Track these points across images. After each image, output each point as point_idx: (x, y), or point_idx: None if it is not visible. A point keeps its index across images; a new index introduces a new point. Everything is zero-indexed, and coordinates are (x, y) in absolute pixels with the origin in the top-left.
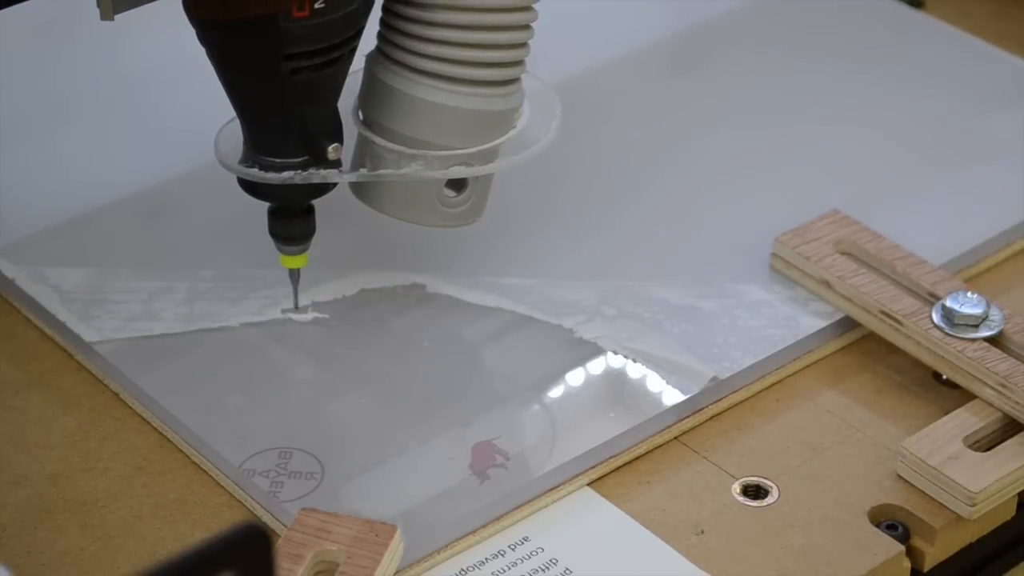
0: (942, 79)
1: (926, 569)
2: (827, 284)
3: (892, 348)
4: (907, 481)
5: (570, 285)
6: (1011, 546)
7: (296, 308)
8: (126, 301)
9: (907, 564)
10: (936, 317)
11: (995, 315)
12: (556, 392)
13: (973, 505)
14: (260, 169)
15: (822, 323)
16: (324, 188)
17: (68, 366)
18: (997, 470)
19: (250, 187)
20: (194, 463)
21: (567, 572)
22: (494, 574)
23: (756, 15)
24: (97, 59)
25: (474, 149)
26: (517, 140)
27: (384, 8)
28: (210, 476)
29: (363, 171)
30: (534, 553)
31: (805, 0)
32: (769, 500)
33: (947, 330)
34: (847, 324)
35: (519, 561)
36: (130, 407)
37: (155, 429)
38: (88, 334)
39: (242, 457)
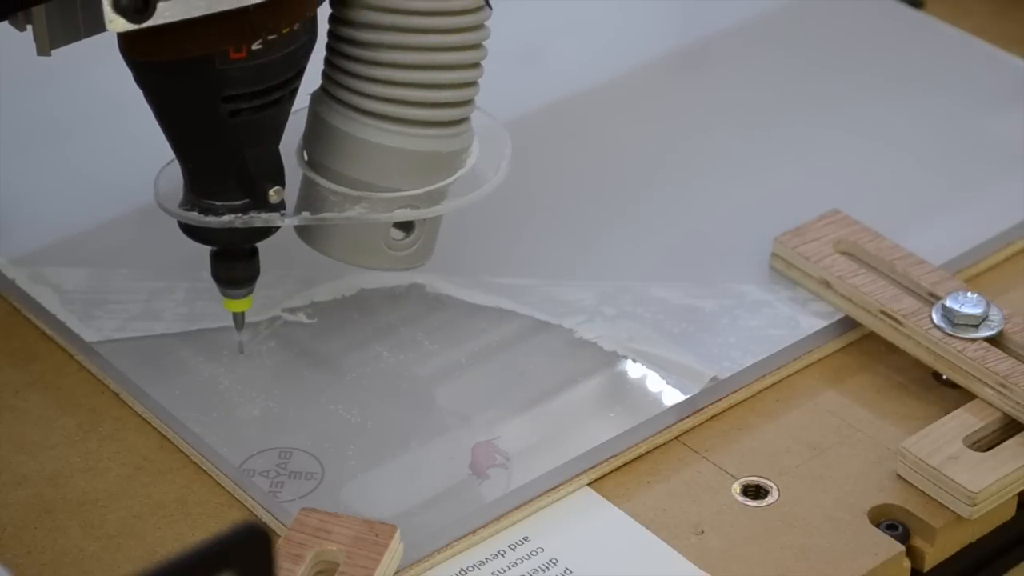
0: (942, 79)
1: (926, 569)
2: (827, 284)
3: (892, 348)
4: (907, 481)
5: (570, 285)
6: (1011, 546)
7: (241, 352)
8: (126, 301)
9: (907, 564)
10: (936, 317)
11: (995, 315)
12: (556, 392)
13: (973, 505)
14: (200, 212)
15: (822, 323)
16: (267, 231)
17: (68, 366)
18: (997, 470)
19: (191, 231)
20: (194, 463)
21: (567, 572)
22: (494, 574)
23: (756, 15)
24: (100, 64)
25: (421, 191)
26: (468, 178)
27: (328, 47)
28: (210, 476)
29: (306, 214)
30: (534, 553)
31: (805, 0)
32: (769, 500)
33: (947, 330)
34: (847, 324)
35: (519, 561)
36: (130, 407)
37: (155, 429)
38: (88, 334)
39: (242, 457)
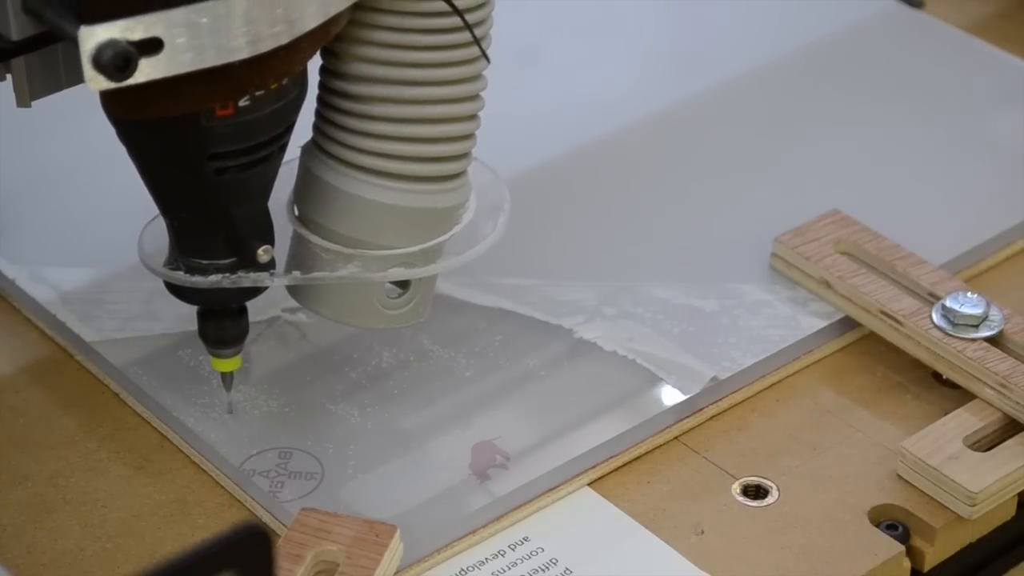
0: (942, 79)
1: (926, 569)
2: (827, 284)
3: (892, 348)
4: (907, 481)
5: (570, 285)
6: (1011, 546)
7: (230, 412)
8: (126, 301)
9: (907, 564)
10: (936, 317)
11: (995, 315)
12: (556, 392)
13: (973, 505)
14: (186, 271)
15: (822, 323)
16: (256, 290)
17: (68, 366)
18: (997, 470)
19: (177, 290)
20: (194, 463)
21: (567, 572)
22: (494, 574)
23: (756, 15)
24: None
25: (416, 248)
26: (463, 231)
27: (319, 99)
28: (210, 476)
29: (296, 274)
30: (534, 553)
31: (805, 1)
32: (769, 500)
33: (947, 330)
34: (847, 324)
35: (519, 561)
36: (130, 407)
37: (155, 429)
38: (88, 334)
39: (242, 457)
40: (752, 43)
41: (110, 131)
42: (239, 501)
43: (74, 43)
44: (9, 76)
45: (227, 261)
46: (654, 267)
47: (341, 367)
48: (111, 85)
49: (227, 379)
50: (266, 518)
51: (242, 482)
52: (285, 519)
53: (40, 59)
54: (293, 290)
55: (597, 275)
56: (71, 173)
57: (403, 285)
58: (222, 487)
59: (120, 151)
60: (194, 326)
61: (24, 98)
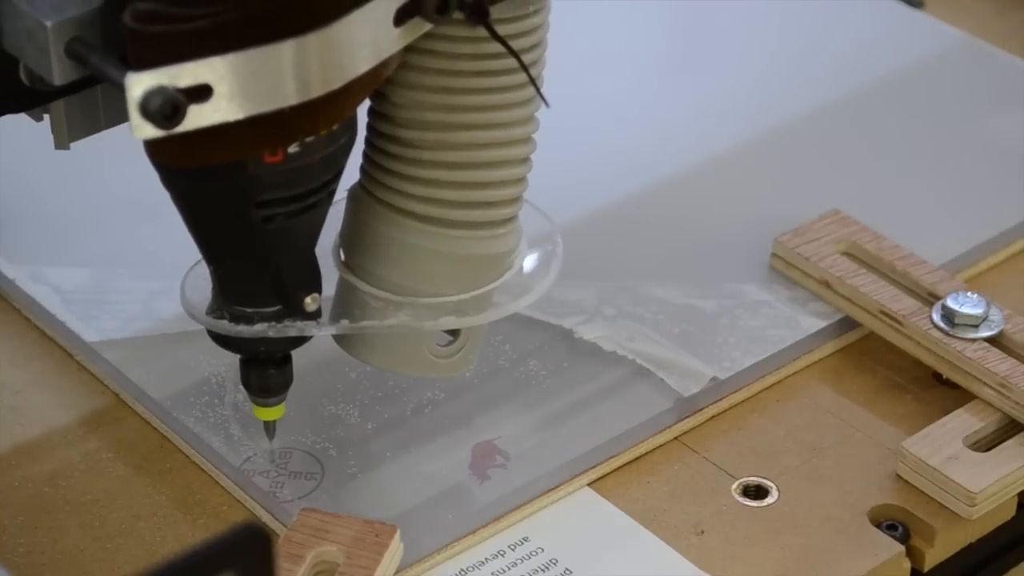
0: (942, 79)
1: (926, 569)
2: (827, 284)
3: (892, 348)
4: (907, 481)
5: (570, 285)
6: (1011, 546)
7: (272, 461)
8: (126, 301)
9: (907, 564)
10: (936, 317)
11: (995, 315)
12: (556, 392)
13: (973, 505)
14: (230, 320)
15: (822, 323)
16: (302, 339)
17: (68, 366)
18: (997, 470)
19: (220, 338)
20: (194, 463)
21: (567, 572)
22: (494, 574)
23: (754, 15)
24: None
25: (467, 295)
26: (514, 279)
27: (367, 142)
28: (210, 476)
29: (344, 323)
30: (534, 553)
31: (805, 0)
32: (769, 500)
33: (947, 330)
34: (847, 324)
35: (519, 561)
36: (130, 407)
37: (155, 429)
38: (88, 334)
39: (242, 457)
40: (751, 43)
41: (110, 132)
42: (239, 501)
43: (120, 89)
44: (46, 116)
45: (273, 309)
46: (654, 267)
47: (341, 367)
48: (159, 133)
49: (270, 428)
50: (266, 518)
51: (242, 482)
52: (285, 519)
53: (80, 100)
54: (339, 338)
55: (597, 275)
56: (72, 173)
57: (453, 333)
58: (222, 487)
59: (121, 151)
60: (194, 326)
61: (63, 140)
